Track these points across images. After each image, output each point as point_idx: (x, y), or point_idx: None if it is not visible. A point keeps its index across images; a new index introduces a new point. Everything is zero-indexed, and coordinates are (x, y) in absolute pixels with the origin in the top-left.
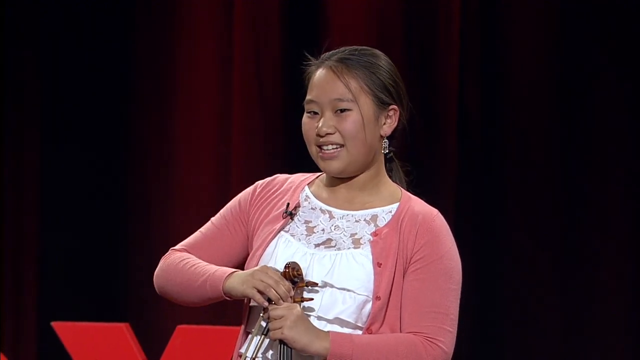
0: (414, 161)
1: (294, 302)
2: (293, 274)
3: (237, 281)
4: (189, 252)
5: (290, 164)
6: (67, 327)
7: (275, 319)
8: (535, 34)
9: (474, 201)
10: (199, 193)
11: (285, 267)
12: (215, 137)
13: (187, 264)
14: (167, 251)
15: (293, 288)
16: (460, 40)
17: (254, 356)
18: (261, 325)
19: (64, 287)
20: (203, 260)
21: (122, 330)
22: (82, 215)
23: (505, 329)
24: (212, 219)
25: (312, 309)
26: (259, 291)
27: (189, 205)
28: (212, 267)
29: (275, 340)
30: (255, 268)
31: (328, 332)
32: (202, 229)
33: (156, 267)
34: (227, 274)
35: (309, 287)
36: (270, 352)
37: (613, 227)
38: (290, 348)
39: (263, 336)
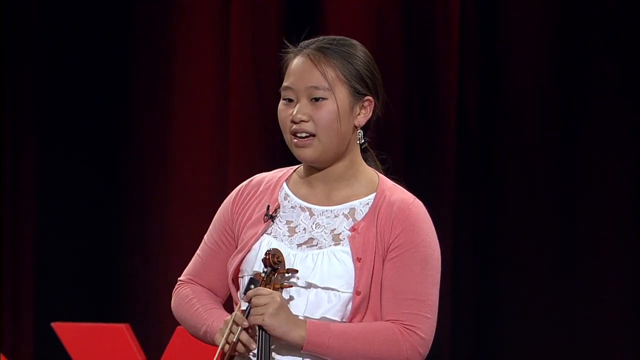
0: (412, 161)
1: (274, 288)
2: (274, 261)
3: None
4: (195, 282)
5: (287, 162)
6: (67, 328)
7: (258, 306)
8: (535, 33)
9: (473, 202)
10: (197, 192)
11: (266, 254)
12: (213, 136)
13: (191, 307)
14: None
15: (274, 274)
16: (459, 40)
17: (234, 340)
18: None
19: (63, 288)
20: (212, 282)
21: (122, 331)
22: (81, 215)
23: (506, 330)
24: (205, 237)
25: (298, 309)
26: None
27: (187, 204)
28: (211, 316)
29: (254, 325)
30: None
31: (305, 320)
32: (199, 251)
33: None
34: (220, 326)
35: (290, 274)
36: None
37: (613, 231)
38: (269, 334)
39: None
